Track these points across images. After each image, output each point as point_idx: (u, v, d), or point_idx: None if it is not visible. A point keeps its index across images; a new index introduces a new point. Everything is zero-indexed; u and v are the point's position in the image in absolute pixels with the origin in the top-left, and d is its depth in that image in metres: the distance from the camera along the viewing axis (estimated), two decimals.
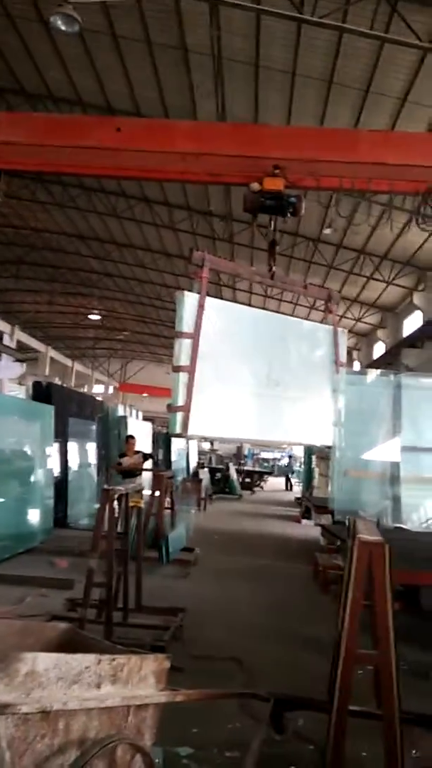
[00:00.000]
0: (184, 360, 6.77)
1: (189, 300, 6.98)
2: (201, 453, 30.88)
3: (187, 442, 21.96)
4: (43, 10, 12.12)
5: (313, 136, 9.37)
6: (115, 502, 5.35)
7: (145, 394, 45.22)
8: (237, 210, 19.29)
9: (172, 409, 6.92)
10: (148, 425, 18.25)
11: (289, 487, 29.82)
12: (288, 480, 30.91)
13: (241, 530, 13.95)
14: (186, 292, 7.24)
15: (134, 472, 10.82)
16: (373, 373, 8.69)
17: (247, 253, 21.88)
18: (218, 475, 22.28)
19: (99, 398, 25.81)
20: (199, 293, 6.78)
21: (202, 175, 8.24)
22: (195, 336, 6.83)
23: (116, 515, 5.37)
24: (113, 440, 15.52)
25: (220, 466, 24.15)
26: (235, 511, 17.77)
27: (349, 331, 24.64)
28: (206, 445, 33.63)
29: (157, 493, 9.31)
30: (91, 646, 2.94)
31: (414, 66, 11.27)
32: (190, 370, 6.70)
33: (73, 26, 11.00)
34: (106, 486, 5.76)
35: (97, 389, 46.33)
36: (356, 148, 8.43)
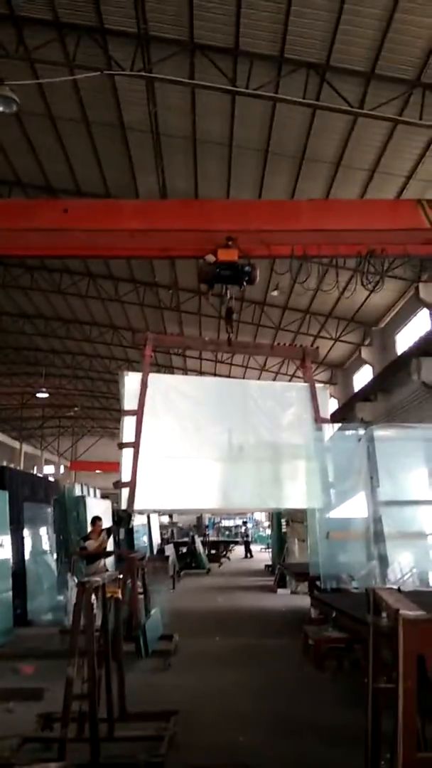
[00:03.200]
0: (128, 437, 6.67)
1: (130, 379, 6.99)
2: (162, 527, 29.74)
3: (148, 518, 21.09)
4: None
5: (258, 208, 9.57)
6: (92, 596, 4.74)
7: (98, 471, 43.83)
8: (183, 280, 19.43)
9: (119, 485, 6.74)
10: (107, 503, 17.39)
11: (249, 555, 28.73)
12: (247, 547, 29.51)
13: (216, 607, 13.14)
14: (127, 372, 7.26)
15: (99, 556, 10.10)
16: (344, 428, 8.46)
17: (195, 321, 21.95)
18: (183, 549, 21.32)
19: (52, 479, 24.66)
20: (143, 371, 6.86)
21: (153, 251, 8.21)
22: (139, 413, 6.72)
23: (93, 610, 4.75)
24: (72, 523, 14.60)
25: (185, 540, 23.18)
26: (206, 587, 16.87)
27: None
28: (165, 519, 32.50)
29: (129, 579, 8.57)
30: None
31: (345, 131, 11.79)
32: (135, 446, 6.55)
33: (11, 107, 11.03)
34: (81, 578, 5.15)
35: (48, 470, 44.65)
36: (299, 217, 8.64)
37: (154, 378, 6.78)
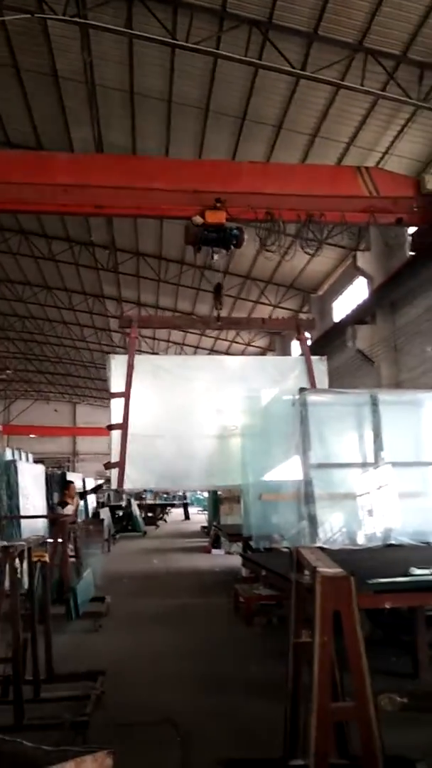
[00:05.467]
0: (116, 418, 6.73)
1: (116, 362, 7.04)
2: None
3: (84, 482, 20.93)
4: None
5: (197, 167, 9.29)
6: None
7: (32, 435, 42.95)
8: (120, 240, 18.95)
9: (109, 465, 6.81)
10: (40, 467, 17.08)
11: (186, 517, 29.52)
12: (186, 510, 30.34)
13: (150, 569, 13.26)
14: (113, 355, 7.30)
15: (75, 520, 10.20)
16: (277, 394, 8.57)
17: (133, 282, 21.55)
18: (119, 513, 21.34)
19: None
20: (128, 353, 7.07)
21: (87, 207, 7.91)
22: (126, 395, 6.75)
23: (18, 575, 4.65)
24: (3, 487, 14.28)
25: (121, 503, 23.18)
26: (142, 549, 16.99)
27: (241, 354, 24.92)
28: (100, 482, 32.36)
29: (60, 541, 8.47)
30: (9, 754, 2.33)
31: (288, 93, 11.63)
32: (123, 428, 6.62)
33: None
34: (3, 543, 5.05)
35: None
36: (239, 179, 8.51)
37: (140, 359, 6.92)
